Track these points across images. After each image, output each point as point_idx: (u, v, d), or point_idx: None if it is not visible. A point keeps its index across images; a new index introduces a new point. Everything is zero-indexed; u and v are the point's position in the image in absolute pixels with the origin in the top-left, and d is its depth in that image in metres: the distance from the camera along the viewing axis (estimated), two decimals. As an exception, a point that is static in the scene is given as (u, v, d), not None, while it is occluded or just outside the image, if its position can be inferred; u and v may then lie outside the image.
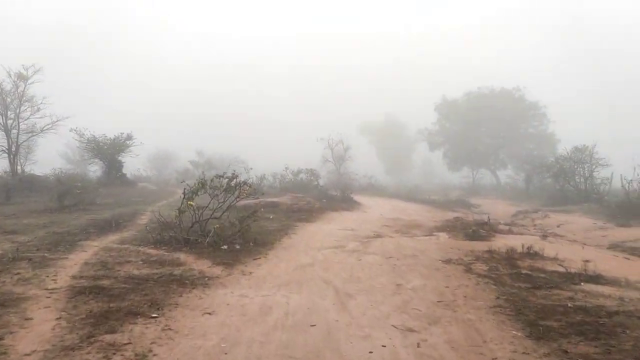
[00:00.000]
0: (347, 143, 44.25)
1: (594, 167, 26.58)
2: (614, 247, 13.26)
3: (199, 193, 10.99)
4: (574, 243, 12.76)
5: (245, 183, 11.07)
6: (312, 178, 32.68)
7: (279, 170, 33.89)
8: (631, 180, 20.92)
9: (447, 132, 55.39)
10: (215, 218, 10.84)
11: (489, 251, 9.95)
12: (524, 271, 8.23)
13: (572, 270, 8.01)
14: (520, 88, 52.29)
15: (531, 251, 9.68)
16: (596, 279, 7.66)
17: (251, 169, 29.63)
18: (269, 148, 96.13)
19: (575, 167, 27.05)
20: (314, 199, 22.35)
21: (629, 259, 10.59)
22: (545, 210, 22.70)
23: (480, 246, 10.85)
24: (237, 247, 10.05)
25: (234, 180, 10.99)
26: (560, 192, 27.19)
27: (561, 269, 8.31)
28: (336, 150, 44.59)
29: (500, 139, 52.91)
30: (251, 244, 10.47)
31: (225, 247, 9.95)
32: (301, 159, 55.01)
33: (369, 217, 16.73)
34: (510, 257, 9.33)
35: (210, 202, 11.18)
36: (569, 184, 27.18)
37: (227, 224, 10.94)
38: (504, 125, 52.67)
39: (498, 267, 8.57)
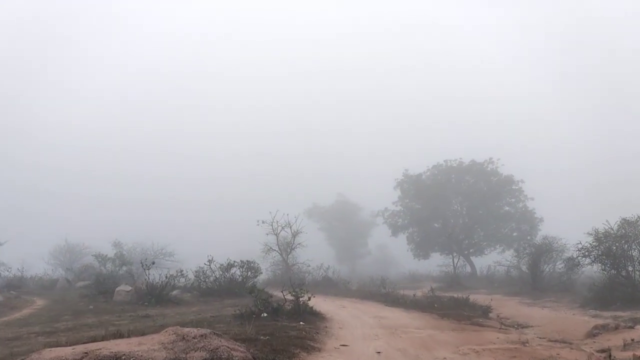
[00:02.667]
0: (296, 227, 34.96)
1: (653, 248, 18.39)
2: None
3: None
4: None
5: None
6: (248, 274, 23.01)
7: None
8: None
9: (412, 212, 47.28)
10: None
11: None
12: None
13: None
14: (494, 160, 45.51)
15: None
16: None
17: (153, 264, 20.00)
18: (210, 236, 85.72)
19: (628, 249, 18.76)
20: (244, 320, 12.77)
21: None
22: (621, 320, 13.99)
23: None
24: None
25: None
26: (609, 287, 18.66)
27: None
28: (282, 236, 35.17)
29: (474, 218, 45.22)
30: None
31: None
32: (244, 248, 44.98)
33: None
34: None
35: None
36: (621, 274, 18.77)
37: None
38: (477, 203, 45.30)
39: None
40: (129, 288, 19.45)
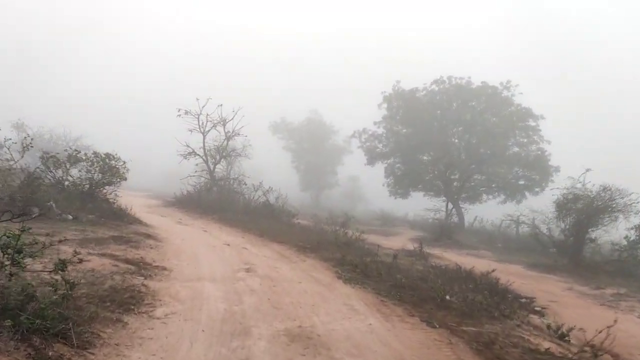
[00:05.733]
0: (233, 125, 24.25)
1: None
2: None
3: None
4: None
5: None
6: (100, 177, 12.69)
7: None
8: None
9: (397, 137, 36.99)
10: None
11: None
12: None
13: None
14: (510, 86, 35.06)
15: None
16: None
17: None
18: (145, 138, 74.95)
19: None
20: None
21: None
22: None
23: None
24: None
25: None
26: None
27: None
28: (213, 137, 24.56)
29: (473, 156, 35.27)
30: None
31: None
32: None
33: None
34: None
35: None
36: None
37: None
38: (481, 137, 35.25)
39: None
40: None
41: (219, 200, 21.13)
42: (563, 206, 17.95)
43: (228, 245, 11.68)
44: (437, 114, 35.40)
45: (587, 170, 17.83)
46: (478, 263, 17.14)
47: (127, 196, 36.32)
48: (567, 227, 18.26)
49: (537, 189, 34.45)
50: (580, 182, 18.06)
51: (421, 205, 38.76)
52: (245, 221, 17.58)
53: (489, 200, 35.57)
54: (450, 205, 29.43)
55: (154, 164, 66.11)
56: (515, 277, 15.44)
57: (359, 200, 67.35)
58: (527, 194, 34.70)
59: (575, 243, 17.56)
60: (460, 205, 35.17)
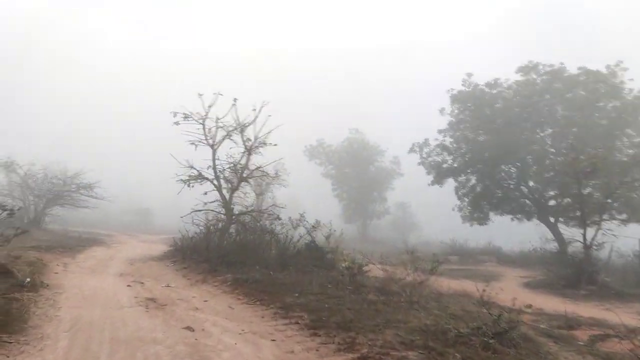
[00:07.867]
0: (256, 130, 16.45)
1: None
2: None
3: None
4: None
5: None
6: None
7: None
8: None
9: (472, 146, 28.64)
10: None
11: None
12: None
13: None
14: (618, 69, 26.54)
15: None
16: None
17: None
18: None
19: None
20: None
21: None
22: None
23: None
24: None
25: None
26: None
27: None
28: (227, 151, 16.78)
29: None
30: None
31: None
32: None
33: None
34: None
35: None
36: None
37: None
38: (584, 138, 26.60)
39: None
40: None
41: (238, 246, 13.45)
42: None
43: None
44: (523, 112, 27.05)
45: None
46: None
47: (134, 242, 29.09)
48: None
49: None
50: None
51: (488, 230, 30.29)
52: (282, 285, 9.74)
53: (603, 221, 26.62)
54: (589, 233, 20.19)
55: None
56: None
57: (410, 229, 59.05)
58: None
59: None
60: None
